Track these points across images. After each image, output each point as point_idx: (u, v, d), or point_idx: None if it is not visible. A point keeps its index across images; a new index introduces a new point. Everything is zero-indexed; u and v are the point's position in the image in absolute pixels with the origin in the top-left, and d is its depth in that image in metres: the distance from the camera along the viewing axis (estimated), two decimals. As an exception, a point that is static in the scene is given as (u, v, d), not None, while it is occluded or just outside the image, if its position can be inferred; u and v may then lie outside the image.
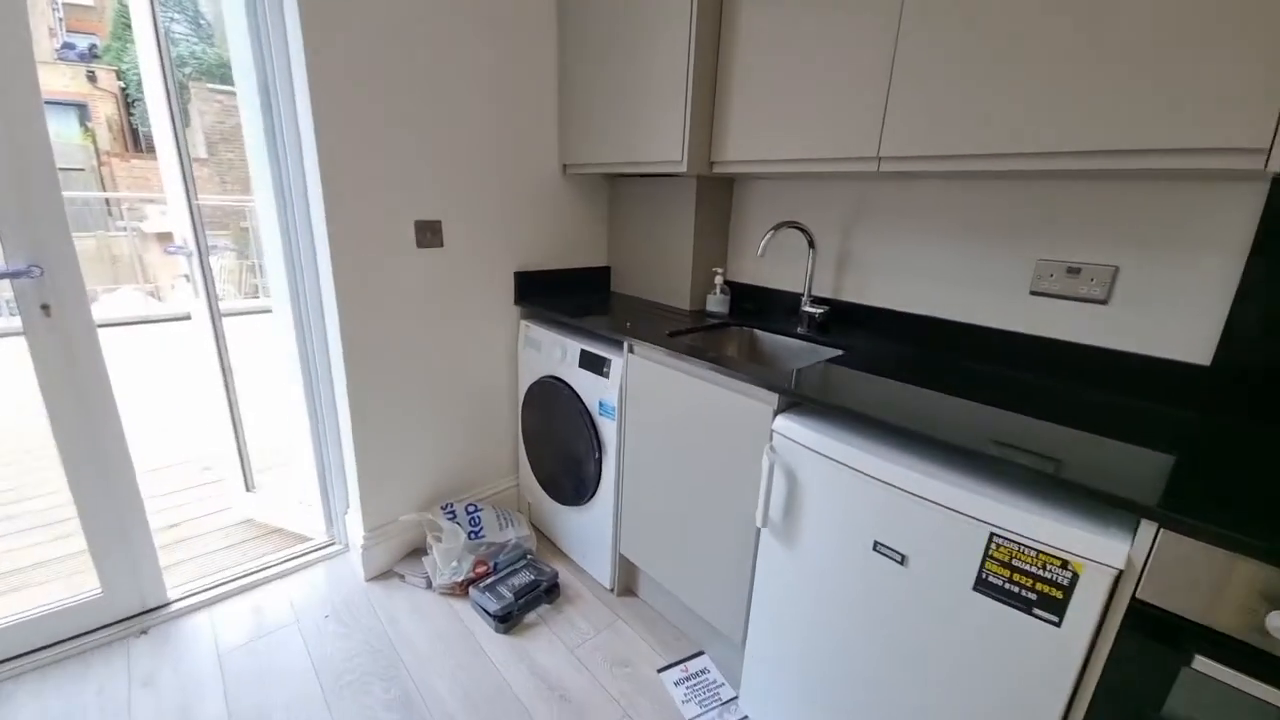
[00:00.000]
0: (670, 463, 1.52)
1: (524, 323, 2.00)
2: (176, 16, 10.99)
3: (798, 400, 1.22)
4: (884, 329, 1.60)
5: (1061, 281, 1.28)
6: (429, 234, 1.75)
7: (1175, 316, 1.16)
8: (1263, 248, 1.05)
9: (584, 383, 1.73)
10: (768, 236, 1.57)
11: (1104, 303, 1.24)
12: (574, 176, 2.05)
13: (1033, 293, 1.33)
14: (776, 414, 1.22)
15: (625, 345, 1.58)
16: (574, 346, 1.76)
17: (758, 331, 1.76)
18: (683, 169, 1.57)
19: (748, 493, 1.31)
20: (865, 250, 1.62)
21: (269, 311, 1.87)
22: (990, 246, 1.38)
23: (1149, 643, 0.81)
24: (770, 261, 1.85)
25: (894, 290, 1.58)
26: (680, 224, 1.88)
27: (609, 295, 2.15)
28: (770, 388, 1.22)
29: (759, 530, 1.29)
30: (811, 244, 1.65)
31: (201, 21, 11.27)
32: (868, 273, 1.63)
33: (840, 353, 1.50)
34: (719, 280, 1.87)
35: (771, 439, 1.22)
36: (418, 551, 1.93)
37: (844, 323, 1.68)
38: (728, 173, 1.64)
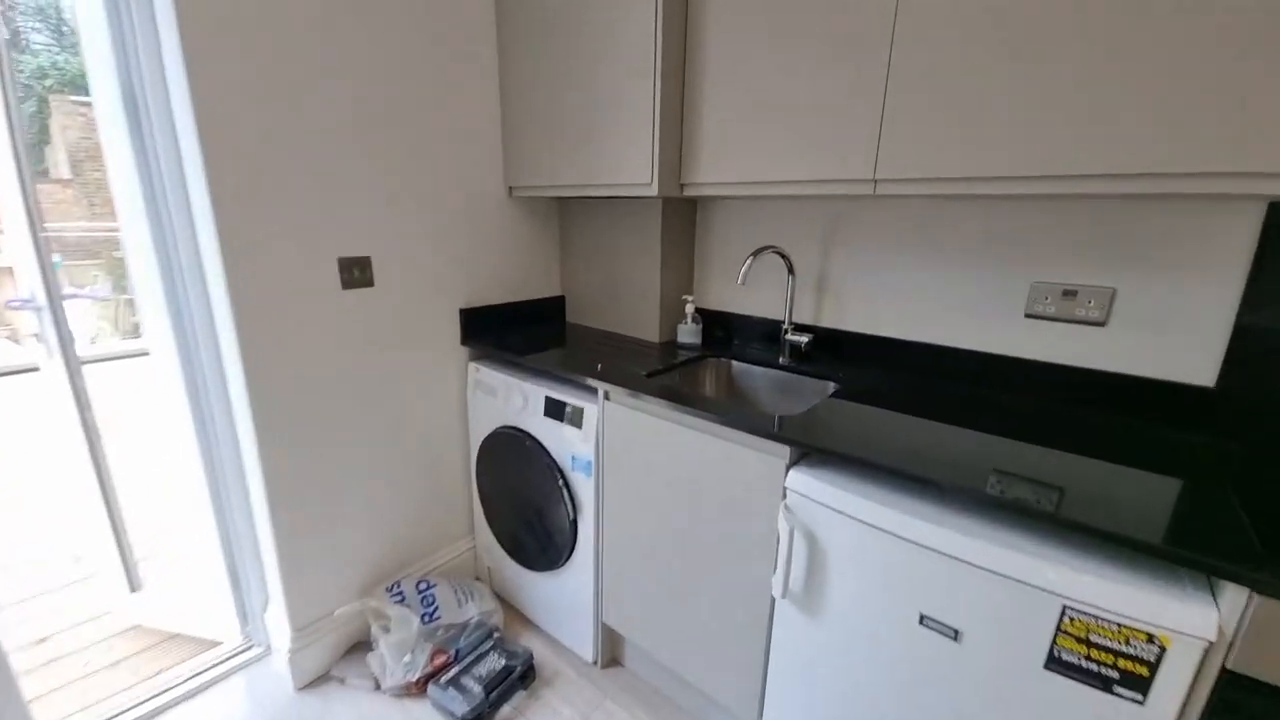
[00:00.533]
0: (661, 523, 1.34)
1: (473, 365, 1.77)
2: (38, 25, 9.67)
3: (810, 449, 1.08)
4: (872, 357, 1.51)
5: (1058, 304, 1.24)
6: (356, 272, 1.48)
7: (1176, 338, 1.14)
8: (1262, 266, 1.03)
9: (551, 434, 1.53)
10: (748, 264, 1.44)
11: (1102, 325, 1.20)
12: (521, 199, 1.84)
13: (1028, 315, 1.28)
14: (789, 468, 1.08)
15: (600, 392, 1.40)
16: (536, 392, 1.55)
17: (740, 364, 1.63)
18: (652, 191, 1.42)
19: (755, 555, 1.16)
20: (847, 273, 1.53)
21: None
22: (982, 268, 1.33)
23: (1239, 715, 0.73)
24: (742, 286, 1.73)
25: (880, 315, 1.49)
26: (644, 249, 1.73)
27: (567, 329, 1.95)
28: (783, 440, 1.08)
29: (773, 598, 1.14)
30: (791, 269, 1.54)
31: (64, 29, 10.00)
32: (850, 297, 1.54)
33: (835, 386, 1.39)
34: (690, 309, 1.73)
35: (785, 497, 1.08)
36: (361, 646, 1.63)
37: (828, 351, 1.58)
38: (698, 195, 1.50)
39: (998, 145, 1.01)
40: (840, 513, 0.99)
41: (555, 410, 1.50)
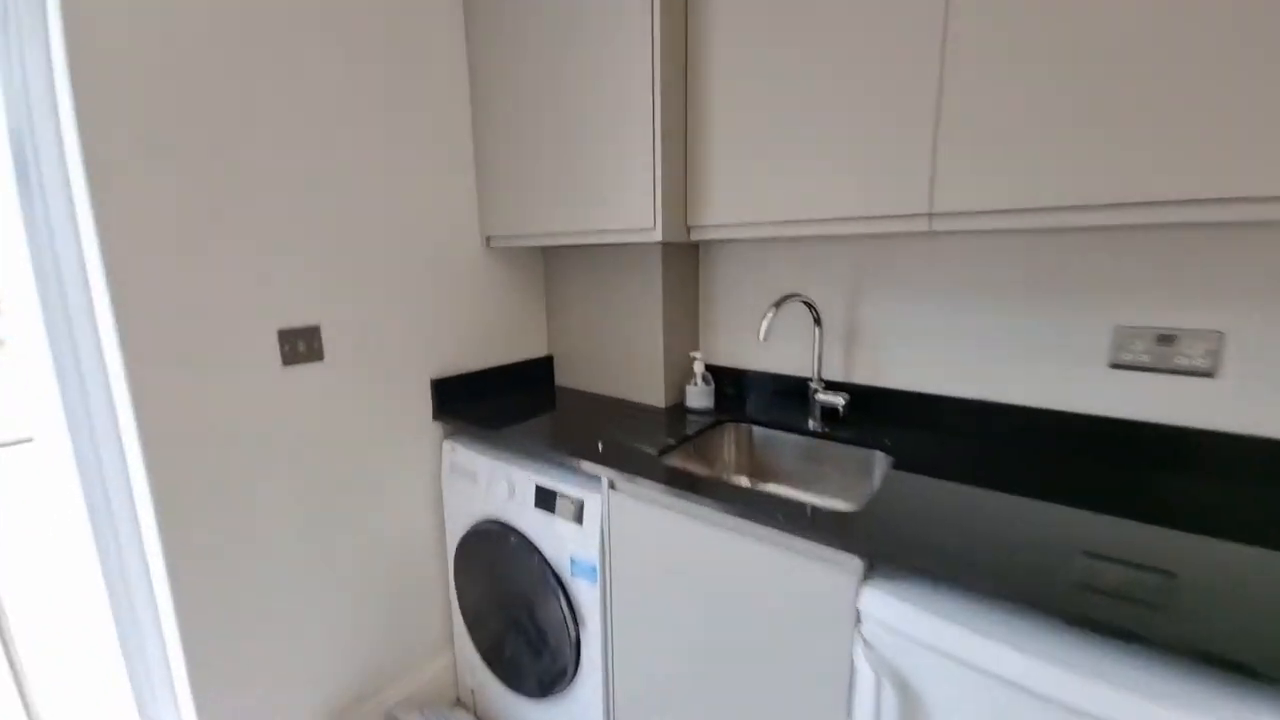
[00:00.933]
0: (688, 645, 1.07)
1: (448, 444, 1.50)
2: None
3: (898, 562, 0.83)
4: (918, 418, 1.28)
5: (1151, 351, 1.04)
6: (301, 345, 1.23)
7: (1307, 388, 0.93)
8: None
9: (545, 530, 1.25)
10: (769, 316, 1.22)
11: (1211, 375, 1.00)
12: (499, 250, 1.63)
13: (1114, 366, 1.08)
14: (862, 583, 0.83)
15: (604, 480, 1.14)
16: (524, 479, 1.29)
17: (763, 430, 1.38)
18: (655, 237, 1.21)
19: (820, 696, 0.89)
20: (884, 321, 1.32)
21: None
22: (1050, 311, 1.12)
23: None
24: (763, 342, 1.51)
25: (926, 369, 1.28)
26: (644, 301, 1.51)
27: (557, 394, 1.70)
28: (857, 551, 0.83)
29: (848, 755, 0.87)
30: (818, 320, 1.33)
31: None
32: (889, 349, 1.32)
33: (887, 457, 1.16)
34: (699, 368, 1.49)
35: (859, 625, 0.82)
36: (308, 816, 1.29)
37: (862, 411, 1.35)
38: (708, 239, 1.29)
39: (1087, 168, 0.83)
40: (944, 654, 0.74)
41: (548, 501, 1.23)
